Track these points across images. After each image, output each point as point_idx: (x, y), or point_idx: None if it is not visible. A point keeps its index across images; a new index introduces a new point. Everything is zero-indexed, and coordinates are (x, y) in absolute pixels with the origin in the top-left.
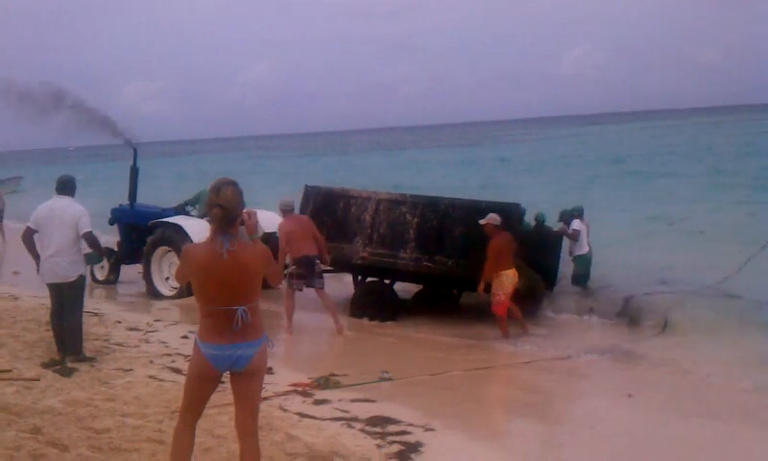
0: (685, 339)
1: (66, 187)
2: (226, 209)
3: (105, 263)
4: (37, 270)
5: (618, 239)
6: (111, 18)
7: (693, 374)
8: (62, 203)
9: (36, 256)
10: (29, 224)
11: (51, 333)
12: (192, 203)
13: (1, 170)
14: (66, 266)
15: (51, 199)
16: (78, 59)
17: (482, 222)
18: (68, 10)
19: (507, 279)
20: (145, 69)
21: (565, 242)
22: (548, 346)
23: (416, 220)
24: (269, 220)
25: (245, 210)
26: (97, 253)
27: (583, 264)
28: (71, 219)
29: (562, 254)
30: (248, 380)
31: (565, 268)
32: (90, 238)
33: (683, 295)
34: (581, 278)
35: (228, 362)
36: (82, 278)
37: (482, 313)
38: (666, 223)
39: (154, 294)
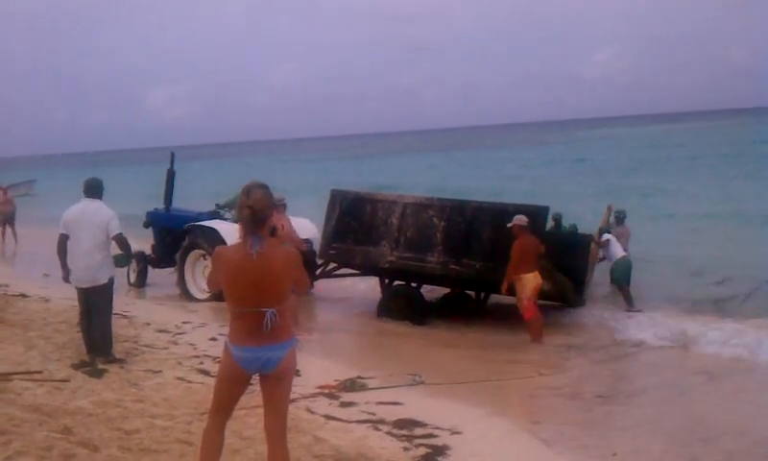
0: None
1: (96, 190)
2: (254, 210)
3: (135, 266)
4: (63, 277)
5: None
6: (140, 22)
7: None
8: (93, 206)
9: (65, 265)
10: (61, 231)
11: (81, 335)
12: (228, 206)
13: (13, 174)
14: (97, 269)
15: (80, 202)
16: (105, 62)
17: (509, 224)
18: (95, 15)
19: (528, 283)
20: (173, 73)
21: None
22: (580, 351)
23: (443, 223)
24: (301, 227)
25: (280, 223)
26: (126, 254)
27: (620, 269)
28: (102, 221)
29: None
30: (277, 383)
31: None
32: (121, 240)
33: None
34: (620, 281)
35: (257, 364)
36: (111, 280)
37: (510, 316)
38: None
39: (187, 297)
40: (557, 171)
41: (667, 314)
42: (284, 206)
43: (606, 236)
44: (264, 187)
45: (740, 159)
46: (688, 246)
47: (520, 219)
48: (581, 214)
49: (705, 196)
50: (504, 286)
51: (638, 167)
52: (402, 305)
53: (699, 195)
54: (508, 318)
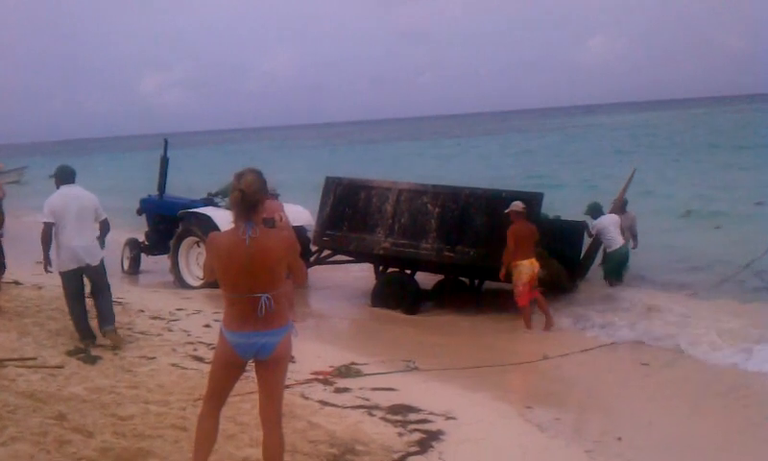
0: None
1: (72, 176)
2: (245, 194)
3: (129, 253)
4: (45, 267)
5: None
6: (136, 7)
7: None
8: (76, 190)
9: (47, 255)
10: (46, 219)
11: (73, 322)
12: (222, 194)
13: (8, 161)
14: (91, 249)
15: (60, 189)
16: (99, 48)
17: (507, 210)
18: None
19: (524, 269)
20: (165, 60)
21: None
22: (573, 338)
23: (437, 210)
24: (295, 213)
25: (278, 214)
26: (103, 238)
27: (612, 261)
28: (90, 202)
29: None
30: (272, 368)
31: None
32: (106, 225)
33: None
34: (611, 274)
35: (252, 350)
36: (103, 260)
37: (505, 303)
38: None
39: (181, 284)
40: (542, 159)
41: (667, 302)
42: (277, 195)
43: (596, 223)
44: (256, 172)
45: (735, 147)
46: (681, 234)
47: (517, 205)
48: (568, 202)
49: (696, 184)
50: (502, 273)
51: (631, 154)
52: (395, 292)
53: (690, 184)
54: (502, 304)
